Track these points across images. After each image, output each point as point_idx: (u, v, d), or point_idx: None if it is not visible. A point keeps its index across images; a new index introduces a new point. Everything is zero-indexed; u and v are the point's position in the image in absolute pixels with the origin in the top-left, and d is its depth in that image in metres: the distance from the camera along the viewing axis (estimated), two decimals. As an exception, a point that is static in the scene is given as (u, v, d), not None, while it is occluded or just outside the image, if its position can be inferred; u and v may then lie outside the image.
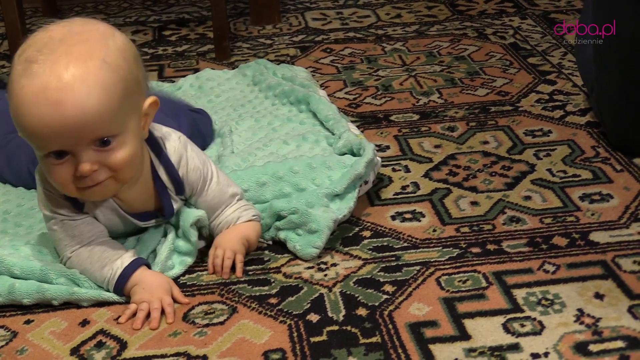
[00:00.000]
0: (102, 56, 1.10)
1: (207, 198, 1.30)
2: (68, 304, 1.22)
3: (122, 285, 1.20)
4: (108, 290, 1.22)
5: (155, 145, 1.24)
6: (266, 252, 1.32)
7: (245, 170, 1.40)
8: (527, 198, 1.43)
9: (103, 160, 1.12)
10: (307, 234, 1.30)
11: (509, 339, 1.11)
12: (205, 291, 1.24)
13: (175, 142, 1.26)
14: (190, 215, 1.29)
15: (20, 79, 1.08)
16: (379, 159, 1.46)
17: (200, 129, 1.56)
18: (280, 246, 1.34)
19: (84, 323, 1.19)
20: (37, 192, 1.24)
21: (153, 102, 1.19)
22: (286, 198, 1.35)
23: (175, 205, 1.29)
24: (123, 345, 1.14)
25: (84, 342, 1.15)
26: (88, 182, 1.13)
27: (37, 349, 1.15)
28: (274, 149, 1.52)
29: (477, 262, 1.27)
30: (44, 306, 1.22)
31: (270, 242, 1.35)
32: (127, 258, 1.22)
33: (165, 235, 1.31)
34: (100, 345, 1.14)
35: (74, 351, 1.14)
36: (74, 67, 1.07)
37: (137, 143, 1.17)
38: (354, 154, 1.47)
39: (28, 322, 1.20)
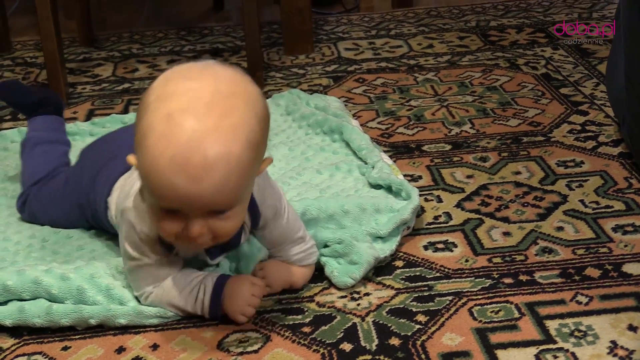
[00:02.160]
0: (246, 135, 1.05)
1: (273, 233, 1.27)
2: (105, 332, 1.23)
3: (218, 296, 1.22)
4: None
5: None
6: (300, 280, 1.33)
7: (298, 202, 1.39)
8: (560, 229, 1.43)
9: (212, 227, 1.09)
10: (348, 264, 1.31)
11: (542, 370, 1.11)
12: (240, 319, 1.25)
13: (259, 178, 1.21)
14: (252, 259, 1.32)
15: (160, 140, 1.03)
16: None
17: None
18: (313, 276, 1.34)
19: (120, 350, 1.20)
20: (125, 232, 1.21)
21: (269, 163, 1.16)
22: (331, 230, 1.37)
23: (244, 238, 1.26)
24: (159, 372, 1.15)
25: (121, 368, 1.17)
26: (191, 240, 1.10)
27: (74, 376, 1.16)
28: (307, 178, 1.53)
29: (509, 292, 1.27)
30: (81, 332, 1.23)
31: (316, 272, 1.35)
32: (212, 275, 1.24)
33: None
34: (136, 372, 1.16)
35: (111, 378, 1.15)
36: (219, 146, 1.03)
37: (245, 208, 1.15)
38: (389, 189, 1.48)
39: (65, 348, 1.21)
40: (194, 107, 1.04)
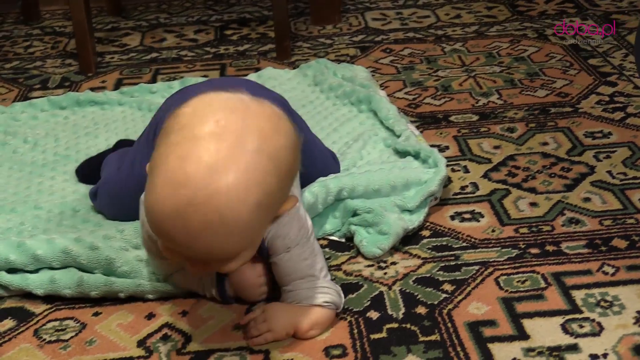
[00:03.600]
0: (258, 198, 0.97)
1: (283, 265, 1.16)
2: (134, 298, 1.25)
3: (223, 290, 1.21)
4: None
5: None
6: (327, 249, 1.34)
7: (330, 180, 1.38)
8: (587, 200, 1.43)
9: (214, 267, 1.06)
10: (377, 234, 1.32)
11: (568, 340, 1.12)
12: (267, 287, 1.26)
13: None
14: None
15: (168, 185, 0.95)
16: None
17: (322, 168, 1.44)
18: (341, 245, 1.35)
19: (150, 316, 1.22)
20: (140, 223, 1.20)
21: (291, 206, 1.08)
22: (363, 198, 1.37)
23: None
24: (188, 338, 1.17)
25: (150, 335, 1.18)
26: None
27: (105, 341, 1.18)
28: (335, 150, 1.54)
29: (535, 262, 1.28)
30: (111, 299, 1.25)
31: (343, 240, 1.36)
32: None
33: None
34: (165, 338, 1.17)
35: (141, 343, 1.16)
36: (226, 209, 0.95)
37: (254, 250, 1.06)
38: (416, 157, 1.48)
39: (96, 314, 1.23)
40: (204, 161, 0.95)
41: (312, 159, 1.35)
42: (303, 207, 1.18)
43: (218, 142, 0.96)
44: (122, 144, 1.58)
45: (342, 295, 1.18)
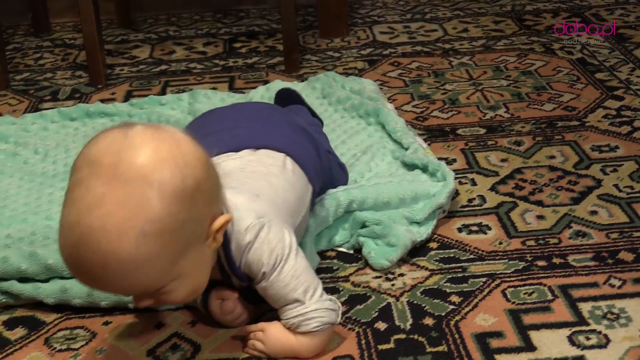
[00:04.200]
0: (141, 225, 0.95)
1: (266, 292, 1.12)
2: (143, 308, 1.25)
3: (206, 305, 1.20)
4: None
5: (225, 238, 1.10)
6: (335, 260, 1.35)
7: (341, 192, 1.39)
8: (594, 213, 1.43)
9: (157, 299, 1.04)
10: (385, 245, 1.32)
11: (574, 352, 1.12)
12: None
13: (242, 236, 1.10)
14: None
15: (61, 230, 0.98)
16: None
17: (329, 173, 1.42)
18: (349, 256, 1.36)
19: (159, 326, 1.22)
20: None
21: (224, 222, 1.05)
22: (372, 210, 1.38)
23: (237, 284, 1.18)
24: (197, 348, 1.17)
25: (159, 344, 1.19)
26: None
27: (115, 350, 1.18)
28: (343, 161, 1.55)
29: (542, 275, 1.28)
30: (121, 309, 1.26)
31: (351, 252, 1.37)
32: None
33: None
34: (175, 348, 1.18)
35: (150, 353, 1.17)
36: (104, 246, 0.94)
37: (198, 274, 1.06)
38: (424, 170, 1.49)
39: (106, 323, 1.24)
40: (85, 200, 0.95)
41: (330, 175, 1.39)
42: (280, 226, 1.13)
43: (91, 181, 0.96)
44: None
45: (338, 306, 1.14)
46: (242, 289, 1.19)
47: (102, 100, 1.96)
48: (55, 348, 1.20)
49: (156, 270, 0.99)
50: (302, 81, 1.98)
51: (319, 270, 1.30)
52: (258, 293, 1.14)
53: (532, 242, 1.36)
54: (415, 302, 1.24)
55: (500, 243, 1.37)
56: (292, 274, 1.11)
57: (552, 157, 1.62)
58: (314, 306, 1.11)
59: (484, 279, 1.28)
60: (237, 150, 1.28)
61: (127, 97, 2.01)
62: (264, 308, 1.19)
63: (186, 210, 0.98)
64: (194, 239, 1.02)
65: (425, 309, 1.22)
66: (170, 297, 1.04)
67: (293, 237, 1.13)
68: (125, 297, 1.24)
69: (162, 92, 2.03)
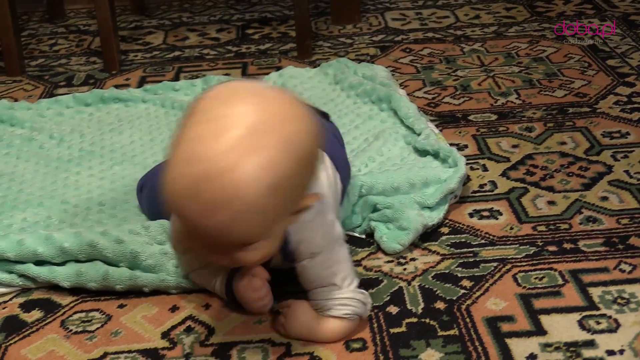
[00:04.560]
0: (269, 179, 0.95)
1: (306, 272, 1.14)
2: (158, 291, 1.26)
3: (231, 295, 1.19)
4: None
5: None
6: (347, 245, 1.34)
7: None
8: (604, 199, 1.44)
9: (234, 256, 1.03)
10: (397, 229, 1.33)
11: (585, 336, 1.12)
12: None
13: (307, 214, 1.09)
14: None
15: (179, 164, 0.96)
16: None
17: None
18: (361, 241, 1.37)
19: (174, 309, 1.23)
20: (171, 224, 1.20)
21: (312, 201, 1.06)
22: (382, 195, 1.38)
23: (276, 261, 1.18)
24: (211, 330, 1.18)
25: (173, 327, 1.20)
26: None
27: (130, 332, 1.19)
28: (355, 146, 1.55)
29: (553, 260, 1.28)
30: (136, 292, 1.27)
31: (364, 236, 1.37)
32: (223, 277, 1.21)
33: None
34: (189, 330, 1.19)
35: (165, 335, 1.18)
36: (236, 185, 0.94)
37: (277, 242, 1.05)
38: (435, 156, 1.50)
39: (121, 306, 1.25)
40: (221, 138, 0.95)
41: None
42: (335, 220, 1.16)
43: (229, 123, 0.96)
44: None
45: (369, 301, 1.17)
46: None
47: (117, 86, 1.97)
48: (71, 330, 1.21)
49: (264, 225, 0.99)
50: (315, 67, 1.98)
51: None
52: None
53: (542, 228, 1.37)
54: (426, 286, 1.24)
55: (511, 228, 1.37)
56: (336, 260, 1.14)
57: (563, 143, 1.62)
58: (350, 294, 1.14)
59: (495, 264, 1.28)
60: None
61: (141, 83, 2.02)
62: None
63: (305, 174, 1.01)
64: (292, 207, 1.03)
65: (436, 293, 1.23)
66: (248, 256, 1.02)
67: (341, 228, 1.16)
68: (141, 278, 1.25)
69: (176, 78, 2.03)
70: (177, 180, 0.96)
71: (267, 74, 1.95)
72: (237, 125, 0.95)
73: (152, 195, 1.32)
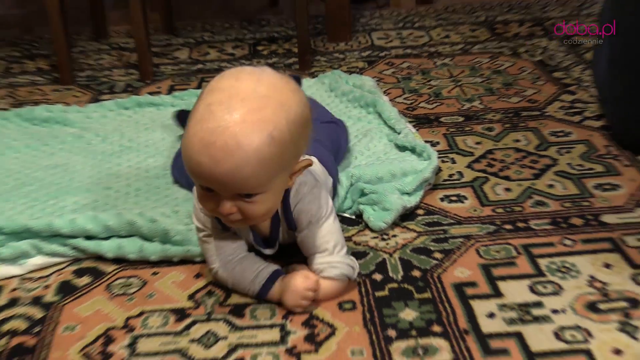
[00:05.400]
0: (270, 131, 0.98)
1: (305, 240, 1.16)
2: (185, 261, 1.27)
3: (267, 290, 1.15)
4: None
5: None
6: (340, 224, 1.34)
7: (341, 170, 1.40)
8: (551, 186, 1.44)
9: (241, 207, 1.03)
10: (381, 210, 1.33)
11: (534, 298, 1.13)
12: (293, 254, 1.27)
13: (299, 187, 1.13)
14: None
15: (197, 124, 0.99)
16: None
17: (335, 138, 1.46)
18: (352, 220, 1.37)
19: (198, 276, 1.24)
20: (193, 207, 1.17)
21: (306, 165, 1.09)
22: (369, 183, 1.38)
23: (282, 235, 1.19)
24: (228, 294, 1.19)
25: (197, 291, 1.20)
26: (223, 216, 1.05)
27: (162, 294, 1.20)
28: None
29: (509, 236, 1.29)
30: (167, 262, 1.27)
31: (354, 217, 1.37)
32: (269, 269, 1.16)
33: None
34: (210, 294, 1.19)
35: (190, 297, 1.19)
36: (240, 135, 0.96)
37: (277, 198, 1.07)
38: (413, 151, 1.50)
39: (155, 273, 1.25)
40: (229, 101, 0.98)
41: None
42: (328, 196, 1.17)
43: (236, 91, 0.99)
44: None
45: (356, 266, 1.18)
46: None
47: (150, 93, 1.97)
48: (114, 293, 1.21)
49: (265, 172, 1.00)
50: (313, 77, 1.98)
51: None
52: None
53: (500, 210, 1.37)
54: (405, 258, 1.25)
55: (475, 210, 1.37)
56: (329, 230, 1.15)
57: (518, 140, 1.62)
58: (339, 259, 1.15)
59: (461, 239, 1.29)
60: None
61: (170, 90, 2.01)
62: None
63: (298, 134, 1.02)
64: (289, 165, 1.05)
65: (413, 263, 1.23)
66: (254, 207, 1.04)
67: (332, 204, 1.18)
68: (171, 251, 1.25)
69: (199, 86, 2.03)
70: (192, 139, 0.99)
71: (275, 83, 1.94)
72: (240, 93, 0.99)
73: (179, 163, 1.35)
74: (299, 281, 1.12)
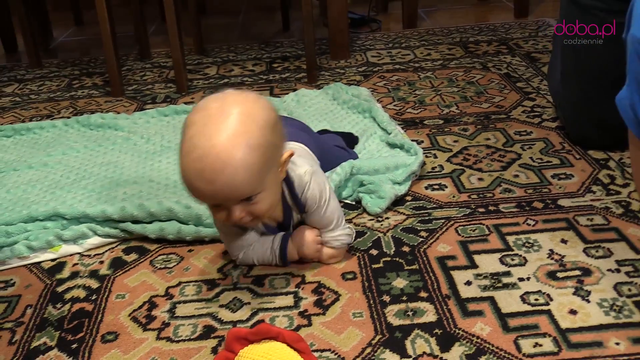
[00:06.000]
0: (246, 140, 0.95)
1: (312, 219, 1.15)
2: (215, 240, 1.25)
3: (285, 254, 1.15)
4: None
5: (288, 180, 1.10)
6: (343, 209, 1.32)
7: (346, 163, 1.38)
8: (516, 176, 1.42)
9: (249, 210, 1.01)
10: (377, 198, 1.31)
11: (504, 268, 1.12)
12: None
13: (302, 177, 1.10)
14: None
15: (185, 157, 0.96)
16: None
17: (327, 149, 1.39)
18: (352, 206, 1.35)
19: (225, 252, 1.22)
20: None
21: (288, 155, 1.05)
22: (366, 175, 1.36)
23: (294, 219, 1.17)
24: (250, 268, 1.18)
25: (225, 265, 1.19)
26: (238, 223, 1.04)
27: (196, 268, 1.19)
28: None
29: (482, 218, 1.27)
30: (200, 241, 1.26)
31: (354, 202, 1.35)
32: (277, 237, 1.16)
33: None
34: (236, 267, 1.18)
35: (219, 270, 1.18)
36: (224, 155, 0.94)
37: (275, 191, 1.04)
38: (401, 148, 1.48)
39: (190, 251, 1.24)
40: (204, 130, 0.95)
41: (327, 153, 1.34)
42: (325, 179, 1.14)
43: (208, 119, 0.96)
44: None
45: (353, 232, 1.19)
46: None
47: (186, 103, 1.95)
48: (156, 267, 1.20)
49: (255, 176, 0.97)
50: (319, 89, 1.96)
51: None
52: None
53: (475, 196, 1.35)
54: (396, 236, 1.23)
55: (454, 196, 1.36)
56: (332, 209, 1.13)
57: (488, 139, 1.61)
58: (341, 231, 1.15)
59: (442, 220, 1.27)
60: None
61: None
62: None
63: (271, 135, 0.98)
64: (274, 161, 1.01)
65: (403, 240, 1.22)
66: (258, 206, 1.01)
67: (331, 186, 1.17)
68: (203, 232, 1.23)
69: (225, 97, 2.01)
70: (185, 169, 0.96)
71: (287, 93, 1.93)
72: (212, 119, 0.95)
73: None
74: (308, 234, 1.13)
